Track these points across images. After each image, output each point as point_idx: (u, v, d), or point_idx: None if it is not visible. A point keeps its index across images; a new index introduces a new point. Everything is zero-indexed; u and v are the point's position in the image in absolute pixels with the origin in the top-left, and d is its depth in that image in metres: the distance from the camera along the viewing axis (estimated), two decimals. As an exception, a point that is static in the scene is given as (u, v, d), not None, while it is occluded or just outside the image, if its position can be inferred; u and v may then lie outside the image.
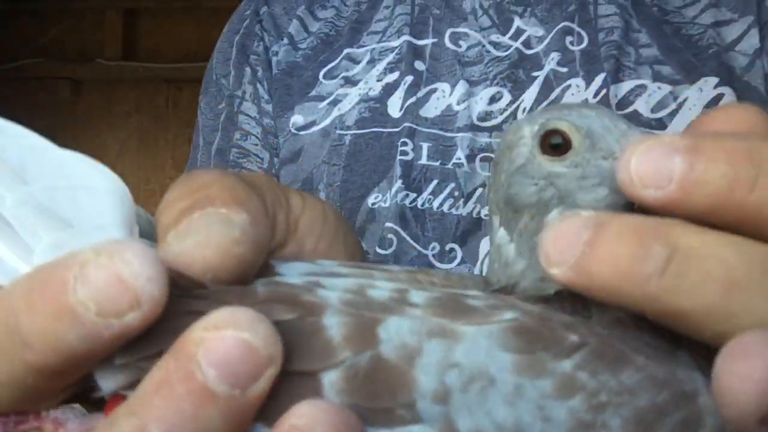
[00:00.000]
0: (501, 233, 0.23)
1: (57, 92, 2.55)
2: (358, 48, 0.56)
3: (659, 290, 0.18)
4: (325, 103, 0.55)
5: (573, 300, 0.21)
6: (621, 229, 0.18)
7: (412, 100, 0.52)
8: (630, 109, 0.50)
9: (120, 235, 0.20)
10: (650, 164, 0.18)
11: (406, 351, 0.18)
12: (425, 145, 0.50)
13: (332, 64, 0.56)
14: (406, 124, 0.51)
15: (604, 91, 0.50)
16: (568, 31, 0.53)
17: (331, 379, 0.18)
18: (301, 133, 0.55)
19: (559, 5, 0.54)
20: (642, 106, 0.50)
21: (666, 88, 0.51)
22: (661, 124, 0.49)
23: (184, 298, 0.18)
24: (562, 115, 0.21)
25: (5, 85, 2.57)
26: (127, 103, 2.58)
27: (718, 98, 0.51)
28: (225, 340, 0.16)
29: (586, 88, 0.51)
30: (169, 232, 0.19)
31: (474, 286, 0.23)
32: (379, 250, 0.49)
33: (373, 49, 0.56)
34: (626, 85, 0.51)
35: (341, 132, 0.53)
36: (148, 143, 2.60)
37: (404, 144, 0.50)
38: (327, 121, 0.54)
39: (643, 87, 0.51)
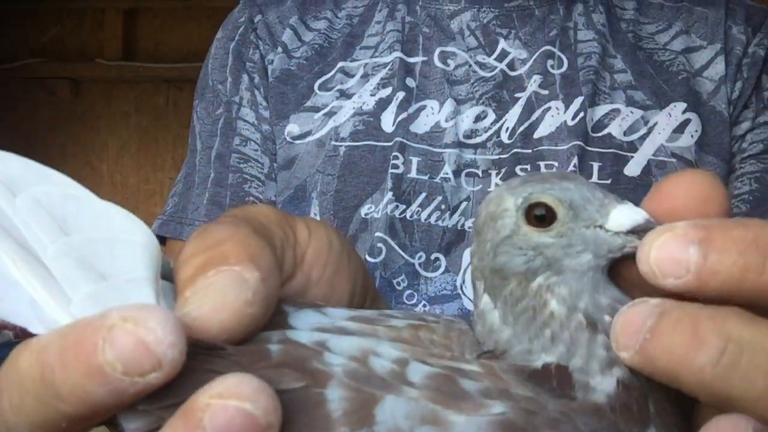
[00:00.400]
0: (485, 300, 0.24)
1: (57, 92, 2.55)
2: (351, 62, 0.58)
3: (713, 379, 0.19)
4: (320, 114, 0.57)
5: (559, 377, 0.22)
6: (680, 317, 0.20)
7: (404, 115, 0.54)
8: (604, 131, 0.52)
9: (149, 289, 0.21)
10: (668, 256, 0.20)
11: None
12: (415, 160, 0.53)
13: (327, 76, 0.58)
14: (398, 139, 0.53)
15: (581, 114, 0.52)
16: (550, 55, 0.55)
17: None
18: (297, 142, 0.57)
19: (542, 29, 0.57)
20: (615, 129, 0.52)
21: (638, 112, 0.53)
22: (632, 147, 0.52)
23: (203, 356, 0.20)
24: (545, 188, 0.23)
25: (5, 85, 2.57)
26: (127, 103, 2.58)
27: (685, 123, 0.53)
28: (228, 409, 0.18)
29: (565, 110, 0.53)
30: (186, 288, 0.20)
31: (470, 346, 0.24)
32: (369, 258, 0.51)
33: (366, 63, 0.58)
34: (601, 109, 0.53)
35: (336, 143, 0.55)
36: (148, 143, 2.60)
37: (395, 158, 0.53)
38: (322, 132, 0.56)
39: (617, 111, 0.53)
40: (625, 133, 0.52)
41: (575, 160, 0.51)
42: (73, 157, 2.60)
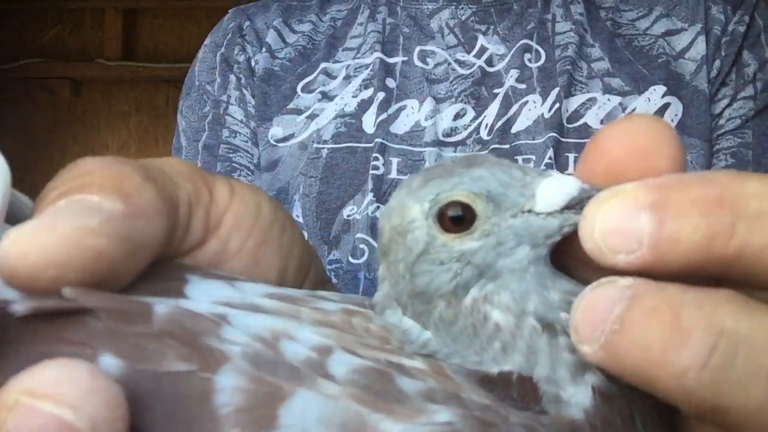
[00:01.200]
0: (409, 325, 0.20)
1: (57, 92, 2.55)
2: (334, 63, 0.59)
3: (699, 384, 0.15)
4: (303, 116, 0.57)
5: (522, 388, 0.18)
6: (657, 303, 0.16)
7: (383, 116, 0.55)
8: (580, 122, 0.52)
9: None
10: (614, 227, 0.16)
11: None
12: (395, 160, 0.53)
13: (309, 78, 0.59)
14: (378, 140, 0.54)
15: (557, 106, 0.52)
16: (527, 49, 0.55)
17: None
18: (280, 144, 0.57)
19: (520, 23, 0.57)
20: (592, 118, 0.52)
21: (615, 99, 0.53)
22: None
23: (52, 315, 0.15)
24: (454, 183, 0.19)
25: (5, 85, 2.57)
26: (127, 103, 2.58)
27: (664, 107, 0.53)
28: (39, 415, 0.13)
29: (542, 103, 0.53)
30: None
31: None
32: (351, 260, 0.52)
33: (348, 65, 0.58)
34: (577, 99, 0.53)
35: (318, 146, 0.55)
36: (148, 143, 2.60)
37: (375, 159, 0.53)
38: (305, 135, 0.57)
39: (593, 100, 0.53)
40: (602, 122, 0.52)
41: (550, 152, 0.51)
42: (73, 157, 2.57)
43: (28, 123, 2.61)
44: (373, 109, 0.56)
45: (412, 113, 0.55)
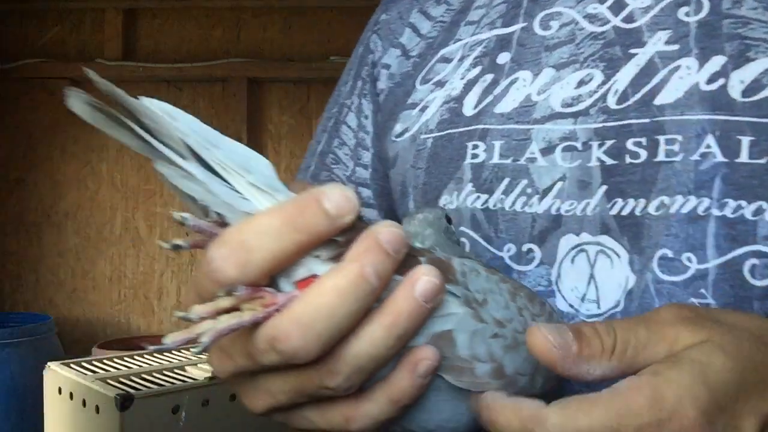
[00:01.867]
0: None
1: (57, 92, 2.55)
2: (454, 43, 0.54)
3: None
4: (416, 110, 0.54)
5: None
6: None
7: (489, 99, 0.49)
8: (761, 94, 0.39)
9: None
10: None
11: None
12: (497, 144, 0.47)
13: (427, 68, 0.55)
14: (479, 126, 0.48)
15: (721, 80, 0.40)
16: (683, 2, 0.43)
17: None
18: (398, 140, 0.55)
19: None
20: None
21: None
22: None
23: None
24: None
25: (5, 85, 2.57)
26: (127, 103, 2.58)
27: None
28: (390, 233, 0.29)
29: (699, 69, 0.41)
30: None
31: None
32: None
33: (466, 43, 0.53)
34: (757, 66, 0.40)
35: (425, 136, 0.52)
36: (148, 143, 2.60)
37: (475, 147, 0.48)
38: (415, 128, 0.53)
39: None
40: None
41: (710, 140, 0.40)
42: (73, 157, 2.60)
43: (28, 123, 2.62)
44: (477, 90, 0.50)
45: (523, 86, 0.47)
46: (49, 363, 1.28)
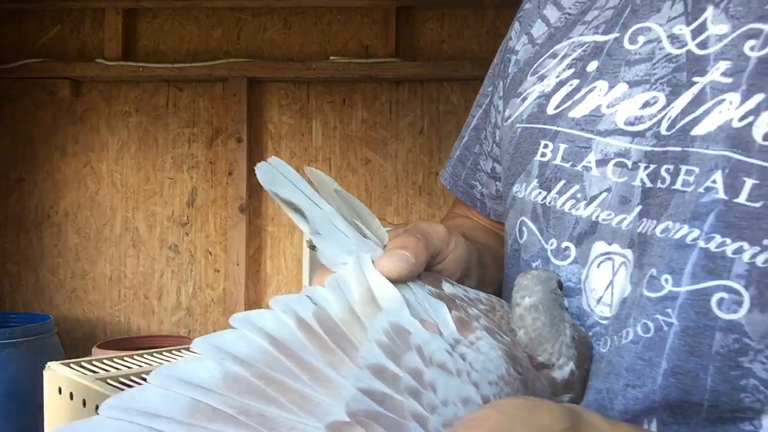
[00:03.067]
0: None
1: (57, 92, 2.55)
2: (565, 41, 0.55)
3: None
4: (519, 99, 0.57)
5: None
6: None
7: (568, 103, 0.51)
8: None
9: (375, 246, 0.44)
10: None
11: None
12: (562, 147, 0.50)
13: (540, 60, 0.56)
14: (553, 127, 0.51)
15: (751, 119, 0.40)
16: (754, 34, 0.43)
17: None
18: (504, 124, 0.60)
19: None
20: None
21: None
22: None
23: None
24: None
25: (5, 85, 2.57)
26: (127, 103, 2.59)
27: None
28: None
29: (738, 106, 0.41)
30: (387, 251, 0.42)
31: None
32: (518, 239, 0.53)
33: (572, 42, 0.54)
34: None
35: (518, 125, 0.55)
36: (148, 143, 2.61)
37: (546, 146, 0.51)
38: (514, 115, 0.56)
39: None
40: None
41: (717, 175, 0.41)
42: (73, 157, 2.60)
43: (28, 123, 2.61)
44: (563, 91, 0.52)
45: (597, 96, 0.49)
46: (49, 363, 1.28)
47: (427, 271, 0.43)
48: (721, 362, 0.39)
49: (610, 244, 0.46)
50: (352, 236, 0.42)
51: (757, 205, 0.39)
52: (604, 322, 0.45)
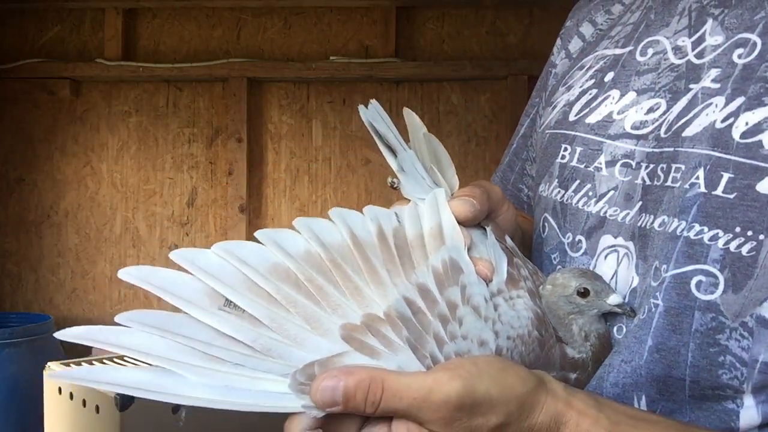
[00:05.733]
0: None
1: (57, 92, 2.55)
2: (592, 54, 0.61)
3: None
4: (550, 107, 0.63)
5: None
6: None
7: (586, 110, 0.56)
8: (754, 138, 0.43)
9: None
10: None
11: None
12: (578, 149, 0.55)
13: (570, 73, 0.63)
14: (572, 132, 0.57)
15: (731, 120, 0.45)
16: (742, 44, 0.47)
17: None
18: (539, 131, 0.65)
19: (753, 10, 0.48)
20: None
21: None
22: None
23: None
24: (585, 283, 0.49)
25: (5, 85, 2.57)
26: (127, 103, 2.59)
27: None
28: None
29: (722, 108, 0.46)
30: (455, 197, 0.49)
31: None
32: (541, 233, 0.59)
33: (597, 55, 0.59)
34: (764, 112, 0.44)
35: (547, 131, 0.61)
36: (148, 143, 2.61)
37: (565, 149, 0.57)
38: (545, 123, 0.63)
39: None
40: None
41: (700, 172, 0.45)
42: (73, 157, 2.60)
43: (28, 123, 2.61)
44: (584, 100, 0.57)
45: (611, 103, 0.54)
46: (49, 363, 1.27)
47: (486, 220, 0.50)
48: (700, 339, 0.43)
49: (615, 237, 0.50)
50: (427, 179, 0.50)
51: (731, 196, 0.43)
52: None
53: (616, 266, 0.50)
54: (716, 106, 0.46)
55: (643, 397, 0.45)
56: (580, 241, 0.53)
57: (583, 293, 0.47)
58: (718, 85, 0.47)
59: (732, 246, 0.42)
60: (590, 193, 0.53)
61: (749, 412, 0.42)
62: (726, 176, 0.44)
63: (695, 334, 0.43)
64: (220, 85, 2.57)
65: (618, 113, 0.53)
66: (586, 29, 0.66)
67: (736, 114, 0.45)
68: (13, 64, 2.55)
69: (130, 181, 2.62)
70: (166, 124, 2.60)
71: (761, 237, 0.41)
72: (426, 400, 0.36)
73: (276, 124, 2.57)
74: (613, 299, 0.47)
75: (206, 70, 2.51)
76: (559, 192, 0.56)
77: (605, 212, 0.52)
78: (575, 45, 0.66)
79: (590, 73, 0.59)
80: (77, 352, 2.47)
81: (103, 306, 2.63)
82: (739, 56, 0.47)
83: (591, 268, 0.53)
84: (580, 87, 0.59)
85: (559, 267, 0.56)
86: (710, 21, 0.50)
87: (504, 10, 2.47)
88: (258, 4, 2.54)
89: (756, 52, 0.46)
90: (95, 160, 2.61)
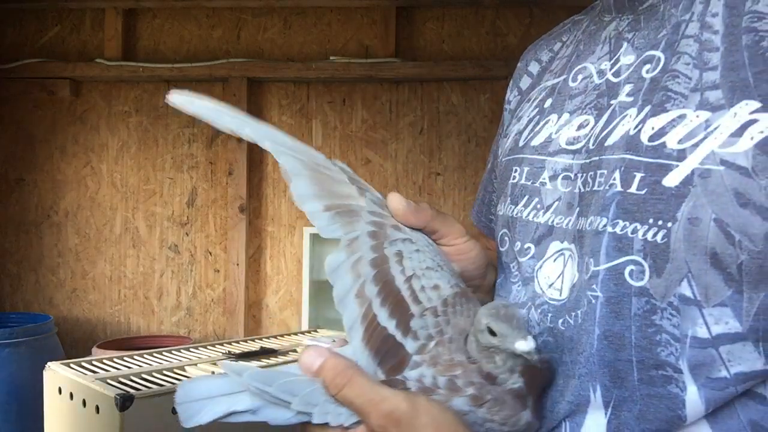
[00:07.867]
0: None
1: (57, 92, 2.55)
2: (537, 87, 0.68)
3: None
4: (503, 137, 0.70)
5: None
6: None
7: (531, 135, 0.63)
8: (659, 140, 0.50)
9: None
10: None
11: None
12: (526, 169, 0.62)
13: (520, 107, 0.70)
14: (520, 155, 0.63)
15: (640, 126, 0.51)
16: (649, 60, 0.54)
17: None
18: (496, 160, 0.72)
19: (657, 30, 0.55)
20: (672, 137, 0.49)
21: (704, 115, 0.49)
22: (681, 155, 0.48)
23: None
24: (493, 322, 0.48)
25: (5, 85, 2.57)
26: (127, 103, 2.59)
27: (747, 124, 0.47)
28: None
29: (635, 117, 0.52)
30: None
31: None
32: (500, 248, 0.65)
33: (541, 87, 0.68)
34: (668, 116, 0.50)
35: (503, 159, 0.67)
36: (148, 143, 2.61)
37: (515, 171, 0.64)
38: (500, 152, 0.70)
39: (682, 117, 0.49)
40: (680, 141, 0.49)
41: (617, 174, 0.51)
42: (73, 157, 2.60)
43: (28, 123, 2.61)
44: (530, 127, 0.64)
45: (551, 126, 0.61)
46: (49, 363, 1.28)
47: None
48: (639, 322, 0.48)
49: (562, 242, 0.56)
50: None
51: (643, 192, 0.49)
52: (555, 303, 0.55)
53: (563, 267, 0.56)
54: (630, 116, 0.53)
55: (598, 387, 0.50)
56: (529, 247, 0.60)
57: (492, 333, 0.48)
58: (631, 98, 0.54)
59: (649, 236, 0.48)
60: (538, 206, 0.60)
61: (692, 398, 0.46)
62: (638, 175, 0.50)
63: (635, 318, 0.48)
64: (220, 85, 2.57)
65: (555, 133, 0.60)
66: (533, 67, 0.74)
67: (644, 121, 0.51)
68: (13, 64, 2.55)
69: (130, 181, 2.62)
70: (166, 124, 2.60)
71: (669, 224, 0.47)
72: (377, 404, 0.45)
73: (276, 124, 2.57)
74: (520, 345, 0.46)
75: (206, 70, 2.51)
76: (510, 208, 0.63)
77: (552, 221, 0.58)
78: (525, 82, 0.74)
79: (535, 103, 0.66)
80: (77, 352, 2.47)
81: (103, 306, 2.63)
82: (647, 71, 0.54)
83: (536, 269, 0.58)
84: (528, 116, 0.66)
85: (515, 273, 0.62)
86: (625, 44, 0.58)
87: (504, 10, 2.47)
88: (258, 4, 2.54)
89: (660, 66, 0.53)
90: (95, 160, 2.61)
